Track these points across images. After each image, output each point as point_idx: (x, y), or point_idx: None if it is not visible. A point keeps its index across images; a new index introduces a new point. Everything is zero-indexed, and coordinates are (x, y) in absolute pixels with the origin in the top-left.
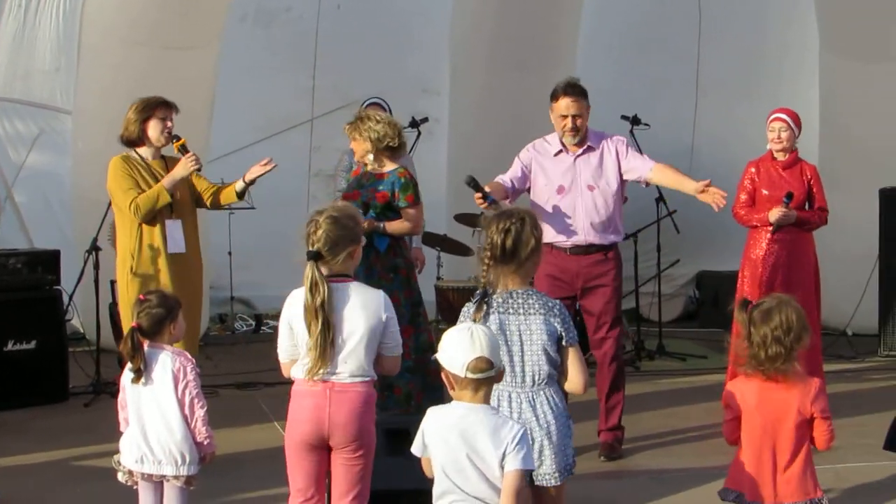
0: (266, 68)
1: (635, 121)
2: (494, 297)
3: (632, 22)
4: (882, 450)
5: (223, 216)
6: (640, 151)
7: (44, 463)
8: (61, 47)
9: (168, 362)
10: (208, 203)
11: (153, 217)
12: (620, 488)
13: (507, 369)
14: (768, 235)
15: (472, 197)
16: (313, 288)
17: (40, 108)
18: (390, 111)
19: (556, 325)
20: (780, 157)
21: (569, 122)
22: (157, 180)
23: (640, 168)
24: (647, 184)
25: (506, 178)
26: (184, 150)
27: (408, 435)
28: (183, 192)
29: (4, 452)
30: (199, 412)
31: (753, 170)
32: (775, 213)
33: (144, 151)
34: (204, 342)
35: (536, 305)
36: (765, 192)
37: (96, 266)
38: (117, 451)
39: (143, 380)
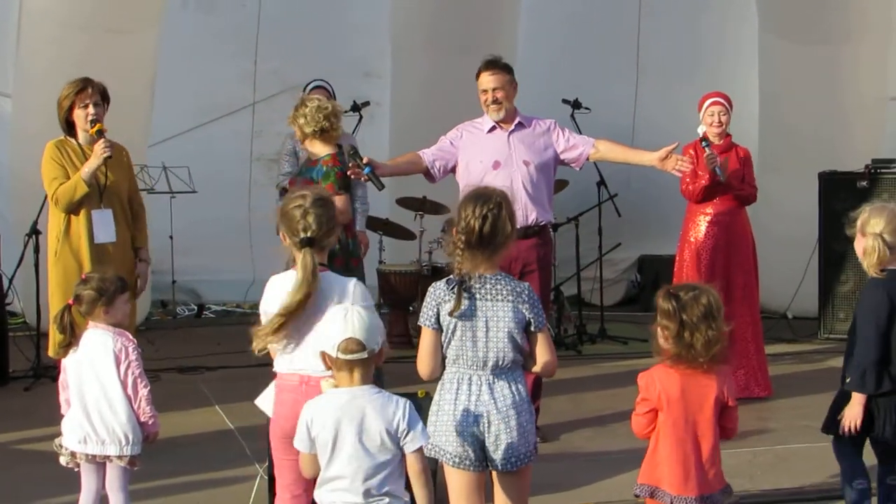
0: (208, 53)
1: (576, 104)
2: (473, 281)
3: (573, 4)
4: (821, 432)
5: (164, 200)
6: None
7: None
8: None
9: (109, 343)
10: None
11: (79, 206)
12: (560, 470)
13: (470, 353)
14: (707, 218)
15: (414, 182)
16: (314, 275)
17: None
18: (334, 94)
19: (524, 311)
20: (716, 140)
21: (490, 95)
22: None
23: (582, 144)
24: (586, 160)
25: (427, 153)
26: (99, 135)
27: None
28: (119, 180)
29: None
30: (143, 392)
31: (692, 151)
32: (708, 162)
33: (81, 137)
34: (146, 327)
35: (505, 291)
36: (700, 172)
37: (36, 249)
38: (59, 435)
39: (70, 352)
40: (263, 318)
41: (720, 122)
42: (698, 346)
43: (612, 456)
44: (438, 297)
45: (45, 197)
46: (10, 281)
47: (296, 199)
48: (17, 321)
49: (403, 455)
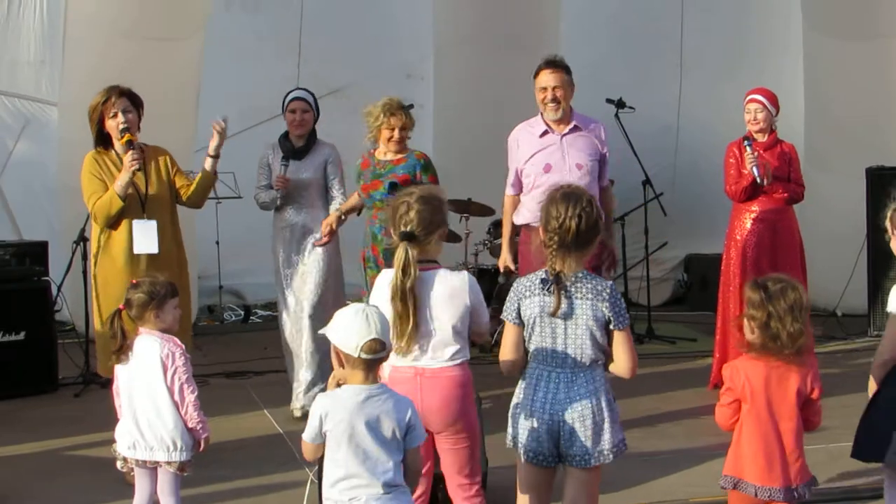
0: (250, 57)
1: (620, 104)
2: (565, 280)
3: (615, 4)
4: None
5: (210, 206)
6: (626, 134)
7: (34, 453)
8: (45, 39)
9: (157, 348)
10: (185, 199)
11: (117, 219)
12: (613, 470)
13: (550, 350)
14: (752, 215)
15: (458, 184)
16: (406, 269)
17: (26, 99)
18: (316, 105)
19: (604, 309)
20: (760, 137)
21: (549, 93)
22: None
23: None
24: None
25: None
26: (129, 145)
27: None
28: (161, 190)
29: None
30: (190, 398)
31: (736, 150)
32: (748, 161)
33: (117, 147)
34: (193, 332)
35: (585, 289)
36: (745, 172)
37: (84, 257)
38: (110, 441)
39: (124, 360)
40: None
41: (756, 119)
42: (784, 337)
43: (664, 456)
44: (520, 292)
45: None
46: (59, 288)
47: (404, 195)
48: (66, 328)
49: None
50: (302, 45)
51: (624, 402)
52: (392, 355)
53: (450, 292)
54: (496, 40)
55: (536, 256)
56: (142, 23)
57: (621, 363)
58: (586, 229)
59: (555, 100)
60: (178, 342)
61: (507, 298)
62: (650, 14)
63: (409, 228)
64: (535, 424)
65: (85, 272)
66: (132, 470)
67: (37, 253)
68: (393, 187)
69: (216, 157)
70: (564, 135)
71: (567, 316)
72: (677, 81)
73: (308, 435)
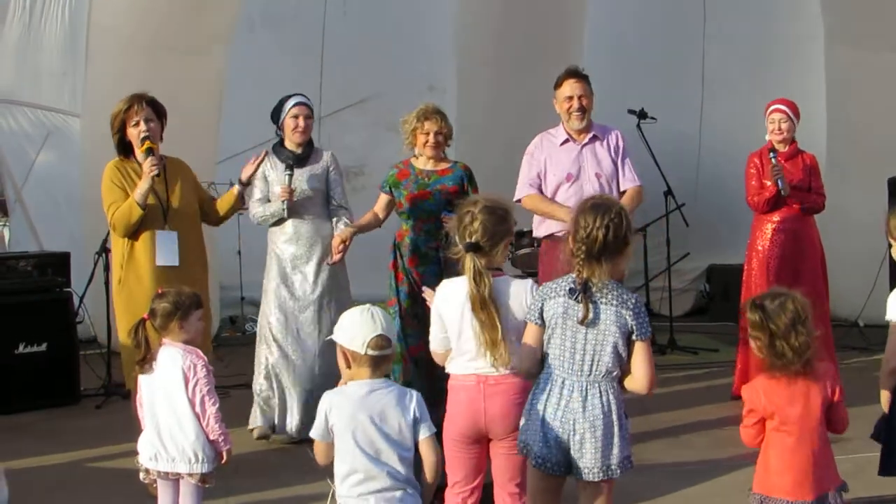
0: (274, 71)
1: (642, 114)
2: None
3: (637, 15)
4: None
5: (232, 217)
6: (648, 145)
7: (57, 465)
8: (67, 51)
9: (178, 360)
10: (209, 218)
11: (137, 229)
12: (637, 482)
13: (568, 356)
14: (773, 226)
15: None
16: (477, 278)
17: (48, 110)
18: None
19: (627, 317)
20: (781, 148)
21: (574, 102)
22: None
23: (621, 181)
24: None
25: (535, 189)
26: (149, 153)
27: None
28: (187, 202)
29: (17, 454)
30: (211, 410)
31: (757, 160)
32: (773, 173)
33: (138, 156)
34: (216, 343)
35: (610, 297)
36: (768, 183)
37: (106, 268)
38: (133, 452)
39: (147, 369)
40: (433, 319)
41: (780, 129)
42: (789, 354)
43: (688, 467)
44: (545, 293)
45: None
46: (81, 299)
47: (468, 205)
48: (89, 339)
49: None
50: (324, 58)
51: (647, 414)
52: (454, 362)
53: (515, 296)
54: (519, 52)
55: (564, 267)
56: (165, 36)
57: (640, 376)
58: (614, 240)
59: (581, 108)
60: (201, 354)
61: (531, 300)
62: (673, 26)
63: (473, 239)
64: (546, 431)
65: (107, 283)
66: (155, 481)
67: (59, 264)
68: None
69: (246, 184)
70: (585, 144)
71: (591, 323)
72: (699, 92)
73: (316, 432)
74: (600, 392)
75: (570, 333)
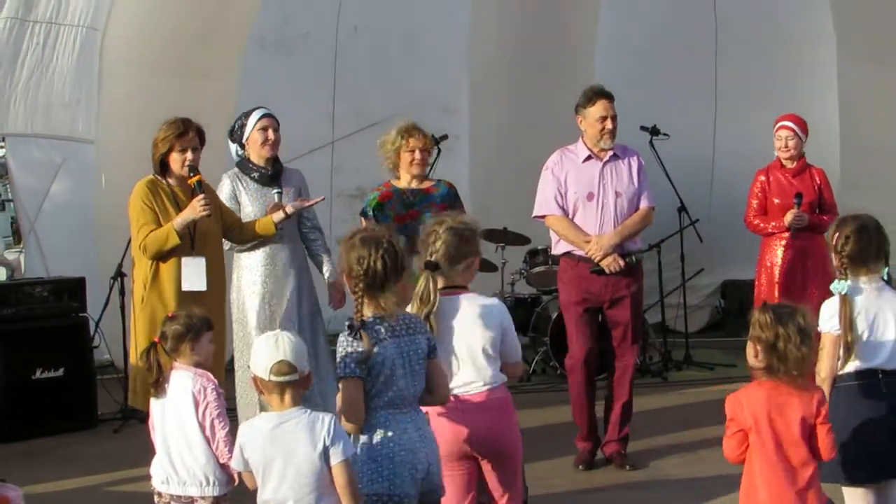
0: (287, 93)
1: (654, 131)
2: (374, 323)
3: (649, 32)
4: None
5: None
6: (661, 161)
7: (75, 489)
8: (80, 79)
9: (189, 384)
10: (233, 236)
11: (168, 255)
12: (654, 498)
13: (392, 390)
14: (783, 242)
15: (494, 213)
16: (423, 298)
17: (62, 139)
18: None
19: (423, 343)
20: (789, 164)
21: (608, 123)
22: (181, 210)
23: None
24: None
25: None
26: (199, 186)
27: None
28: (212, 226)
29: (35, 479)
30: (221, 433)
31: (763, 178)
32: (789, 216)
33: (172, 179)
34: (228, 367)
35: (407, 325)
36: (776, 200)
37: (122, 292)
38: (149, 476)
39: (159, 394)
40: None
41: (787, 146)
42: (791, 359)
43: (704, 482)
44: (345, 346)
45: (130, 239)
46: (97, 324)
47: (434, 224)
48: (105, 364)
49: None
50: (337, 80)
51: (662, 429)
52: None
53: (479, 313)
54: (531, 70)
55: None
56: (177, 60)
57: (442, 390)
58: (393, 269)
59: (613, 129)
60: (211, 377)
61: (338, 355)
62: (684, 42)
63: (433, 258)
64: (393, 465)
65: (122, 307)
66: None
67: (74, 289)
68: None
69: (288, 216)
70: (606, 162)
71: (384, 356)
72: (712, 109)
73: (235, 463)
74: (420, 413)
75: (389, 371)
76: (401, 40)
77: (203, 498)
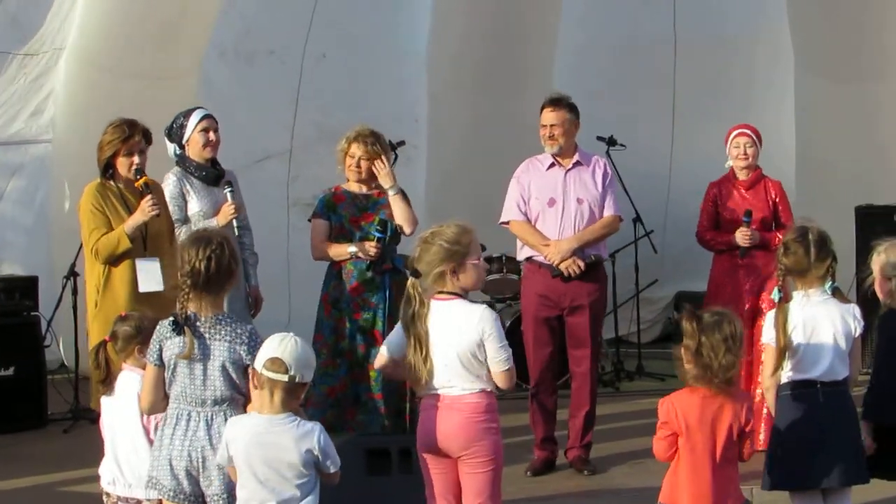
0: (245, 101)
1: (611, 141)
2: (199, 322)
3: (609, 44)
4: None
5: None
6: (617, 172)
7: (23, 488)
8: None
9: (136, 386)
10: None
11: (120, 258)
12: None
13: (189, 390)
14: (736, 260)
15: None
16: (406, 303)
17: (19, 143)
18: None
19: (241, 352)
20: (743, 175)
21: (547, 130)
22: (130, 212)
23: (606, 208)
24: None
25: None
26: (146, 188)
27: (388, 455)
28: (163, 226)
29: None
30: None
31: (715, 191)
32: (738, 236)
33: (120, 181)
34: None
35: (224, 331)
36: (726, 215)
37: (74, 292)
38: (98, 477)
39: (108, 392)
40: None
41: (746, 154)
42: (715, 366)
43: (653, 492)
44: (161, 334)
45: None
46: (49, 323)
47: (428, 233)
48: (56, 363)
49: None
50: (301, 90)
51: (612, 438)
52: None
53: (461, 319)
54: (489, 82)
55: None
56: (136, 61)
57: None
58: (216, 271)
59: (552, 136)
60: None
61: (151, 341)
62: (643, 54)
63: (416, 266)
64: (175, 463)
65: (75, 307)
66: None
67: (26, 287)
68: (383, 224)
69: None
70: (569, 170)
71: (204, 357)
72: (669, 121)
73: (220, 459)
74: (225, 419)
75: (188, 370)
76: (361, 51)
77: (149, 500)
